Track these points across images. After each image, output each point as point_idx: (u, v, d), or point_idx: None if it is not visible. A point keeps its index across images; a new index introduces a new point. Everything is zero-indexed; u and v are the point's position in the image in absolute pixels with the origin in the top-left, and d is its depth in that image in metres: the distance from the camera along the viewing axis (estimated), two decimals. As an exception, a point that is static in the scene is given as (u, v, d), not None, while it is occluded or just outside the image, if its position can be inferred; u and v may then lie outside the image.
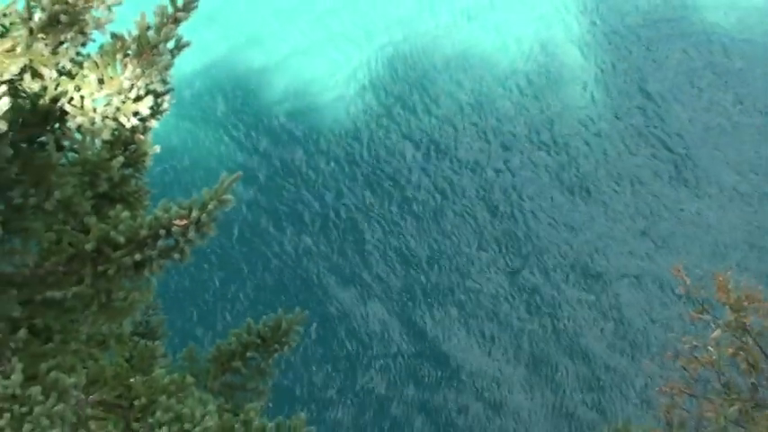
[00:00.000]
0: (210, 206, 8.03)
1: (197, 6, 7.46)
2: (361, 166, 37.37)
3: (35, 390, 7.24)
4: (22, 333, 7.87)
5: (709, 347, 21.28)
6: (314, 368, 32.06)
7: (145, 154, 8.53)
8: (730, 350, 20.70)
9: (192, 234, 7.95)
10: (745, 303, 20.44)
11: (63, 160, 8.03)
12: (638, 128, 42.01)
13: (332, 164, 37.11)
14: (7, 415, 7.09)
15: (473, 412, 33.02)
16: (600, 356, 35.32)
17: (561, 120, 41.31)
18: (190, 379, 8.95)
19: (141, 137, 8.34)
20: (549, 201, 38.70)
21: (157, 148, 8.68)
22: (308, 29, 40.82)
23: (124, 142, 8.24)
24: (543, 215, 38.22)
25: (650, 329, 36.00)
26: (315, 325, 32.08)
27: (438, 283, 35.21)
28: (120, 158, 8.15)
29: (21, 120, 7.34)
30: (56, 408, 7.18)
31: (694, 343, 21.99)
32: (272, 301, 32.14)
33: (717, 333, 21.06)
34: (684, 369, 22.02)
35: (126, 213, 8.11)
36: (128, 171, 8.42)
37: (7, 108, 5.77)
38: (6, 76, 7.06)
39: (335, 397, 31.99)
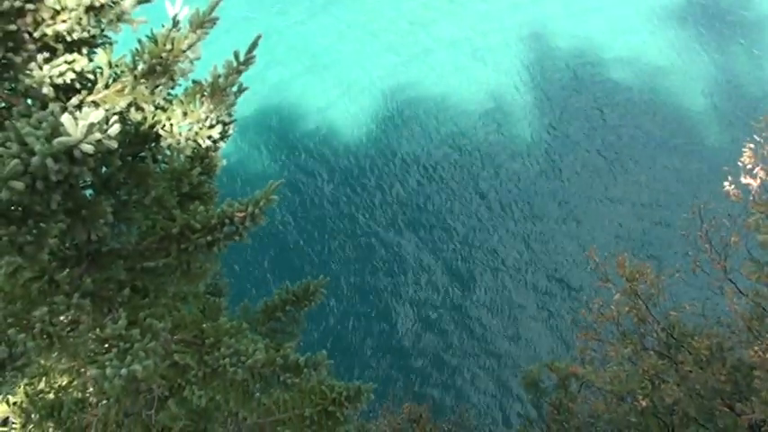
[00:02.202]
0: (261, 203, 7.98)
1: (255, 61, 7.41)
2: (360, 177, 37.37)
3: (135, 331, 7.19)
4: (127, 291, 7.81)
5: (612, 307, 21.28)
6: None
7: (215, 165, 8.48)
8: (626, 309, 20.70)
9: (248, 223, 7.90)
10: (637, 276, 20.44)
11: (157, 169, 7.99)
12: (567, 151, 41.93)
13: (343, 173, 37.10)
14: (115, 349, 7.04)
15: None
16: (541, 313, 35.48)
17: (509, 145, 41.21)
18: (245, 325, 8.89)
19: (213, 153, 8.29)
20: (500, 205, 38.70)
21: (224, 162, 8.64)
22: (331, 78, 40.76)
23: (201, 157, 8.18)
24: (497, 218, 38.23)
25: (572, 294, 36.06)
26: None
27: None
28: (198, 168, 8.11)
29: (127, 140, 7.29)
30: (149, 344, 7.11)
31: (601, 303, 22.00)
32: (302, 270, 32.20)
33: (617, 297, 21.04)
34: (594, 322, 22.03)
35: (201, 207, 8.05)
36: (203, 177, 8.37)
37: (118, 132, 5.69)
38: (117, 109, 7.02)
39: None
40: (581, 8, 48.57)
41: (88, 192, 7.27)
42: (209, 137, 7.70)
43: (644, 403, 19.72)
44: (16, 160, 5.54)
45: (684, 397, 18.69)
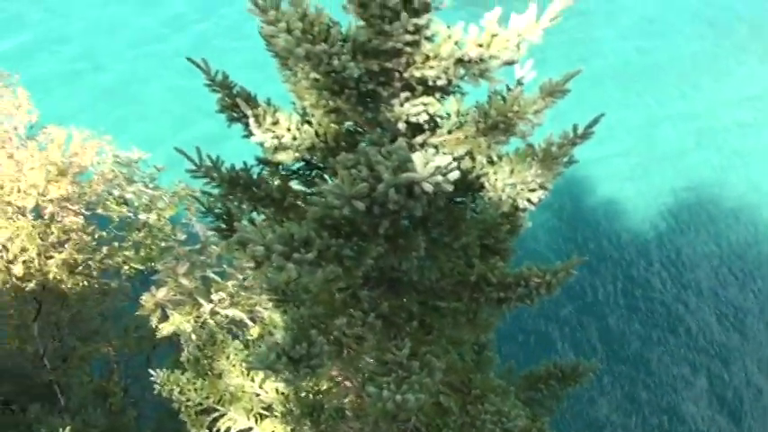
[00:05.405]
0: (560, 275, 8.06)
1: (593, 135, 7.51)
2: (658, 263, 35.75)
3: (415, 363, 7.54)
4: (415, 323, 8.22)
5: None
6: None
7: (521, 226, 8.64)
8: None
9: (542, 290, 8.00)
10: None
11: (469, 217, 8.37)
12: None
13: (643, 256, 35.74)
14: (394, 375, 7.44)
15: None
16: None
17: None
18: (511, 387, 8.97)
19: (522, 214, 8.49)
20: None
21: (530, 224, 8.80)
22: (623, 154, 39.54)
23: (510, 215, 8.41)
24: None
25: None
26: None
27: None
28: (507, 226, 8.35)
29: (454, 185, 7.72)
30: (425, 379, 7.43)
31: None
32: (574, 347, 31.41)
33: None
34: None
35: (501, 263, 8.31)
36: (508, 235, 8.59)
37: (457, 177, 6.09)
38: (455, 155, 7.47)
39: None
40: None
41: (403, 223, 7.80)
42: (529, 200, 7.90)
43: None
44: (365, 183, 6.12)
45: None
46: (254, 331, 15.04)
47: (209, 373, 11.91)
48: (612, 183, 38.17)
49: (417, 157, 5.98)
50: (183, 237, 18.53)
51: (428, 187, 5.99)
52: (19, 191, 16.66)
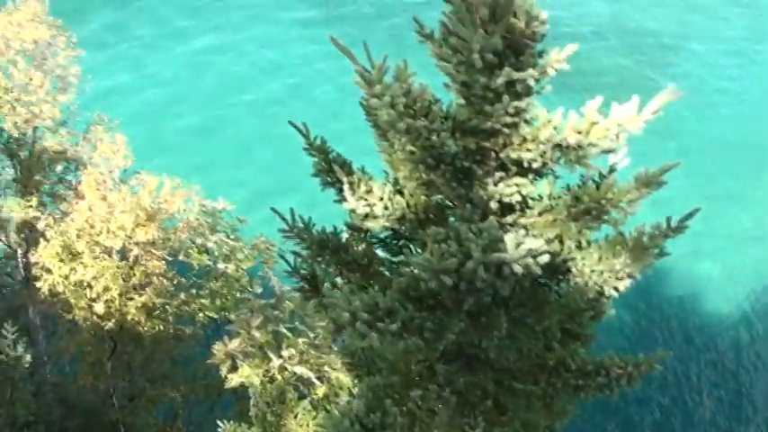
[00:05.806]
0: (642, 367, 7.92)
1: (686, 230, 7.41)
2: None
3: (488, 445, 7.48)
4: (489, 402, 8.14)
5: None
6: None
7: (604, 312, 8.52)
8: None
9: (623, 381, 7.86)
10: None
11: (552, 300, 8.30)
12: None
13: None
14: (465, 454, 7.38)
15: None
16: None
17: None
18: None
19: (606, 301, 8.38)
20: None
21: (613, 311, 8.66)
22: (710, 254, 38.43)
23: (595, 301, 8.30)
24: None
25: None
26: None
27: None
28: (591, 312, 8.25)
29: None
30: (497, 462, 7.34)
31: None
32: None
33: None
34: None
35: (581, 349, 8.20)
36: (591, 321, 8.48)
37: (546, 261, 6.09)
38: (544, 238, 7.45)
39: None
40: None
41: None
42: (615, 288, 7.82)
43: None
44: (454, 259, 6.19)
45: None
46: (320, 391, 15.08)
47: (275, 430, 11.98)
48: (698, 263, 36.93)
49: (509, 238, 6.03)
50: (258, 289, 18.91)
51: (518, 269, 6.02)
52: (108, 232, 17.31)
